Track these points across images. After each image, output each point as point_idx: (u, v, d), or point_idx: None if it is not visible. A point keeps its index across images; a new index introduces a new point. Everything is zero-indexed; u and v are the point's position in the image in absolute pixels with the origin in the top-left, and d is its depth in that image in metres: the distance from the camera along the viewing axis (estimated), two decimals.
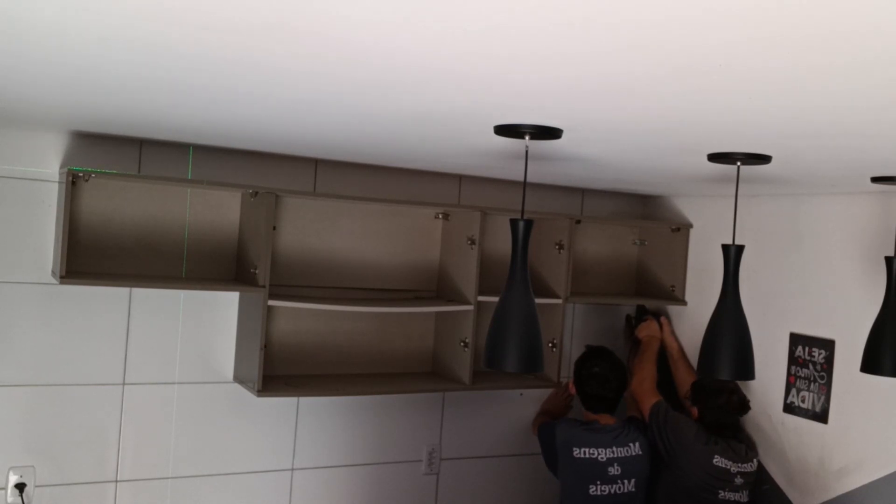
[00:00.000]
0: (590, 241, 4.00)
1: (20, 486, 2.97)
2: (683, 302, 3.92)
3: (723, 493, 3.32)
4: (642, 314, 3.98)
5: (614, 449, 3.41)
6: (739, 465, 3.33)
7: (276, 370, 3.29)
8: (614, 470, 3.39)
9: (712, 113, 1.67)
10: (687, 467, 3.37)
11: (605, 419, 3.50)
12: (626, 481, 3.41)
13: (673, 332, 3.90)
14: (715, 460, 3.32)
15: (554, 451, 3.47)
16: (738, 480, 3.33)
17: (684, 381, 3.70)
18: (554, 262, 3.64)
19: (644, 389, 3.63)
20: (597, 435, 3.42)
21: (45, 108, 2.38)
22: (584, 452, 3.39)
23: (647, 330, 3.87)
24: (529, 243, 2.10)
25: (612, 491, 3.38)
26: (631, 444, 3.44)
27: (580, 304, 4.02)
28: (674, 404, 3.63)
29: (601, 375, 3.50)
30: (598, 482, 3.37)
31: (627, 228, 4.11)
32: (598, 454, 3.39)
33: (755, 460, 3.41)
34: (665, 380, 3.79)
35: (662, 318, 3.91)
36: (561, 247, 3.62)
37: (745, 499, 3.36)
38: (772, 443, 3.47)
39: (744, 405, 3.46)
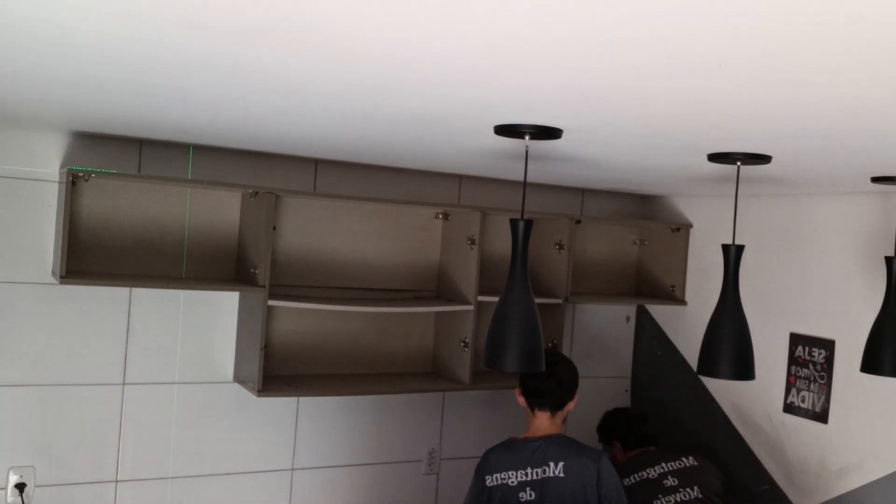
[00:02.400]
0: (590, 241, 4.00)
1: (20, 486, 2.97)
2: (683, 302, 3.92)
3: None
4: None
5: (528, 471, 2.89)
6: (671, 463, 3.44)
7: (276, 370, 3.29)
8: (527, 496, 2.88)
9: (712, 113, 1.67)
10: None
11: (542, 419, 3.01)
12: None
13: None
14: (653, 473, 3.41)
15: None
16: (670, 481, 3.38)
17: None
18: (554, 262, 3.64)
19: None
20: (513, 455, 2.95)
21: (45, 108, 2.38)
22: (497, 479, 2.92)
23: None
24: (529, 243, 2.10)
25: None
26: (550, 464, 2.88)
27: (580, 304, 4.02)
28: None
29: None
30: None
31: (627, 228, 4.11)
32: (510, 478, 2.91)
33: (691, 457, 3.47)
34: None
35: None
36: (561, 247, 3.62)
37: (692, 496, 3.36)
38: (772, 443, 3.47)
39: (642, 413, 3.74)
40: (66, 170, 2.80)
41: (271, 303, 3.05)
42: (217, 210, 3.20)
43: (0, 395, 2.96)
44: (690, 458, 3.48)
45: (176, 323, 3.22)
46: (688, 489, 3.35)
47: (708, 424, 3.76)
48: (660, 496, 3.34)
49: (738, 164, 2.21)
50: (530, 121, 1.88)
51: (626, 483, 3.28)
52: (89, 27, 1.30)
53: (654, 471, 3.43)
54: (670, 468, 3.42)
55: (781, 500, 3.40)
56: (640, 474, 3.44)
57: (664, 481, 3.39)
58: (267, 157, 3.24)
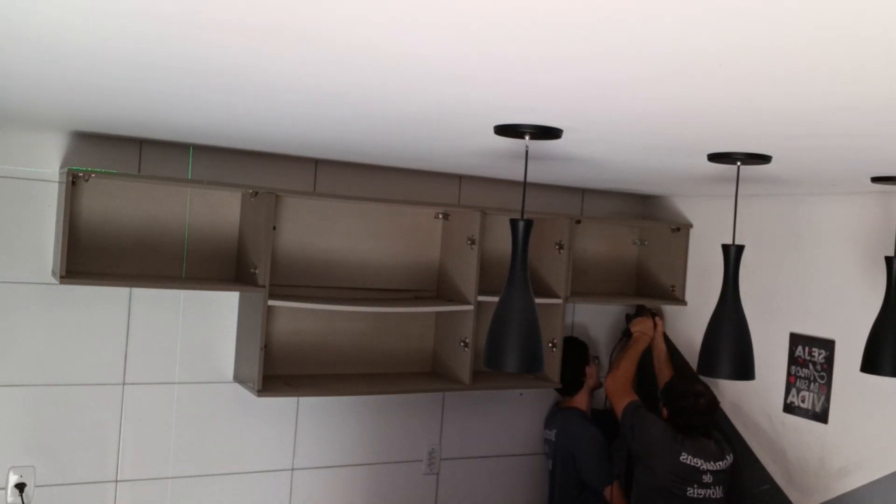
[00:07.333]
0: (590, 241, 4.00)
1: (20, 486, 2.97)
2: (683, 302, 3.92)
3: (691, 490, 3.36)
4: (640, 312, 3.99)
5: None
6: (710, 462, 3.38)
7: (276, 370, 3.29)
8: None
9: (712, 113, 1.67)
10: (655, 466, 3.43)
11: None
12: None
13: (665, 335, 3.92)
14: (682, 458, 3.36)
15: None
16: (707, 478, 3.37)
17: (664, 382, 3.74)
18: (554, 262, 3.64)
19: (618, 387, 3.70)
20: None
21: (45, 108, 2.38)
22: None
23: (640, 326, 3.90)
24: (529, 243, 2.10)
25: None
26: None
27: (580, 304, 4.02)
28: (654, 403, 3.66)
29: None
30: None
31: (627, 228, 4.11)
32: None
33: (729, 456, 3.43)
34: (648, 378, 3.85)
35: (657, 318, 3.92)
36: (561, 247, 3.61)
37: (718, 494, 3.38)
38: (772, 443, 3.47)
39: (711, 406, 3.48)
40: (66, 170, 2.80)
41: (271, 303, 3.05)
42: (217, 210, 3.20)
43: (0, 395, 2.96)
44: None
45: (176, 323, 3.22)
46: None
47: None
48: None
49: (738, 164, 2.21)
50: (530, 121, 1.88)
51: None
52: (90, 27, 1.30)
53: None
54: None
55: (781, 500, 3.40)
56: None
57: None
58: (267, 157, 3.24)
